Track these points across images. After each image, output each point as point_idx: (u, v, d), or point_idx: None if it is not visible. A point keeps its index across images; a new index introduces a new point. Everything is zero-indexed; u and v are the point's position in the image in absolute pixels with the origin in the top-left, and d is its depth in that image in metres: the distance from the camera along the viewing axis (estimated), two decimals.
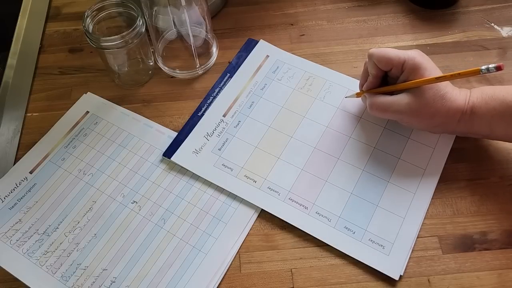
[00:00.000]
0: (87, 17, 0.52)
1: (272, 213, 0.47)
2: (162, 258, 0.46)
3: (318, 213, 0.47)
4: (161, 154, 0.52)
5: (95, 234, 0.47)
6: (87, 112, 0.56)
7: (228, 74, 0.58)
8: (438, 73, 0.45)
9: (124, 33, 0.51)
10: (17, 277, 0.45)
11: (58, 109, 0.57)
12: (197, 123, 0.54)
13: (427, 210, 0.47)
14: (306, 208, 0.47)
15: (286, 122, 0.53)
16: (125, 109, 0.56)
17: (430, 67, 0.45)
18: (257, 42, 0.61)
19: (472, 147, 0.51)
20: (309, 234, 0.46)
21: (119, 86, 0.59)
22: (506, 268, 0.43)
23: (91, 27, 0.53)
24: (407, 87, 0.46)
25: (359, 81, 0.52)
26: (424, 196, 0.48)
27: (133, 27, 0.51)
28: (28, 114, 0.57)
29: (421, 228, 0.46)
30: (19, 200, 0.50)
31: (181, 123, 0.55)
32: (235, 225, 0.47)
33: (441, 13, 0.62)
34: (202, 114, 0.55)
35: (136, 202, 0.49)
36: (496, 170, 0.49)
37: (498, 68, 0.41)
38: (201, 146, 0.52)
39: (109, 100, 0.57)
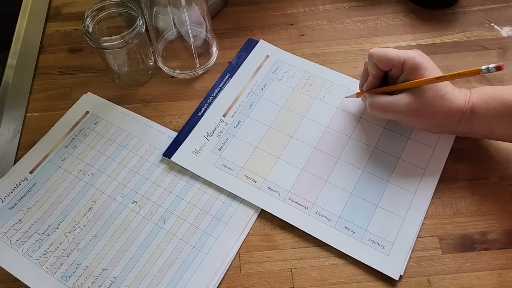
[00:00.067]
0: (87, 17, 0.52)
1: (272, 213, 0.47)
2: (162, 258, 0.46)
3: (318, 213, 0.47)
4: (161, 154, 0.52)
5: (95, 234, 0.47)
6: (87, 112, 0.56)
7: (228, 74, 0.58)
8: (438, 73, 0.45)
9: (124, 33, 0.51)
10: (17, 277, 0.45)
11: (58, 109, 0.57)
12: (197, 123, 0.54)
13: (427, 210, 0.47)
14: (306, 208, 0.47)
15: (286, 122, 0.53)
16: (125, 109, 0.56)
17: (430, 67, 0.45)
18: (257, 42, 0.61)
19: (472, 147, 0.51)
20: (309, 234, 0.46)
21: (119, 86, 0.59)
22: (506, 268, 0.43)
23: (91, 27, 0.53)
24: (407, 87, 0.46)
25: (359, 81, 0.52)
26: (424, 196, 0.48)
27: (133, 27, 0.51)
28: (28, 114, 0.57)
29: (421, 228, 0.46)
30: (19, 200, 0.50)
31: (181, 123, 0.55)
32: (235, 225, 0.47)
33: (441, 13, 0.62)
34: (202, 114, 0.55)
35: (136, 202, 0.49)
36: (496, 170, 0.49)
37: (498, 68, 0.41)
38: (201, 146, 0.52)
39: (109, 100, 0.57)
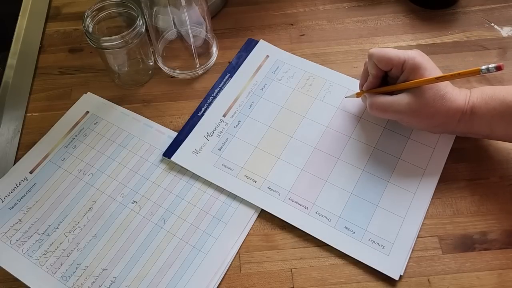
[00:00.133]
0: (87, 17, 0.52)
1: (272, 213, 0.47)
2: (162, 258, 0.46)
3: (318, 213, 0.47)
4: (161, 154, 0.52)
5: (95, 234, 0.47)
6: (87, 112, 0.56)
7: (228, 74, 0.58)
8: (438, 73, 0.45)
9: (124, 33, 0.51)
10: (17, 277, 0.45)
11: (58, 109, 0.57)
12: (197, 123, 0.54)
13: (427, 210, 0.47)
14: (306, 208, 0.47)
15: (286, 122, 0.53)
16: (125, 109, 0.56)
17: (430, 67, 0.45)
18: (257, 42, 0.61)
19: (472, 147, 0.51)
20: (309, 234, 0.46)
21: (119, 86, 0.59)
22: (506, 268, 0.43)
23: (91, 27, 0.53)
24: (407, 87, 0.46)
25: (359, 81, 0.52)
26: (424, 196, 0.48)
27: (133, 27, 0.51)
28: (28, 114, 0.57)
29: (421, 228, 0.46)
30: (19, 200, 0.50)
31: (181, 123, 0.55)
32: (235, 225, 0.47)
33: (441, 13, 0.62)
34: (202, 114, 0.55)
35: (136, 202, 0.49)
36: (496, 170, 0.49)
37: (498, 68, 0.41)
38: (201, 146, 0.52)
39: (109, 100, 0.57)
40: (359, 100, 0.54)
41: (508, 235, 0.45)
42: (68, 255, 0.46)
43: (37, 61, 0.61)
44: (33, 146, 0.53)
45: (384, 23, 0.62)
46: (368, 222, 0.46)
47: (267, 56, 0.59)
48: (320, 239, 0.46)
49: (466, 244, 0.45)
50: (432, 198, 0.48)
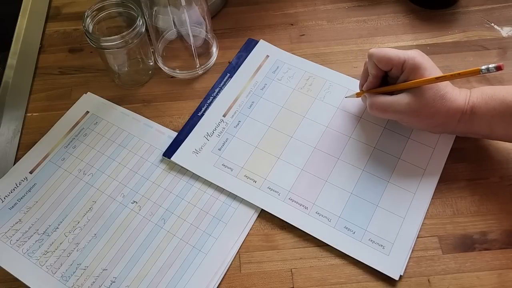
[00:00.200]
0: (87, 17, 0.52)
1: (272, 213, 0.47)
2: (162, 258, 0.46)
3: (318, 213, 0.47)
4: (161, 154, 0.52)
5: (95, 234, 0.47)
6: (87, 112, 0.56)
7: (228, 74, 0.58)
8: (438, 73, 0.45)
9: (124, 33, 0.51)
10: (17, 277, 0.45)
11: (58, 109, 0.57)
12: (197, 123, 0.54)
13: (427, 210, 0.47)
14: (306, 208, 0.47)
15: (286, 122, 0.53)
16: (125, 109, 0.56)
17: (430, 67, 0.45)
18: (257, 42, 0.61)
19: (472, 147, 0.51)
20: (309, 234, 0.46)
21: (119, 86, 0.59)
22: (506, 268, 0.43)
23: (91, 27, 0.53)
24: (407, 87, 0.46)
25: (359, 81, 0.52)
26: (424, 196, 0.48)
27: (133, 27, 0.51)
28: (28, 114, 0.57)
29: (421, 228, 0.46)
30: (19, 200, 0.50)
31: (181, 123, 0.55)
32: (235, 225, 0.47)
33: (441, 13, 0.62)
34: (202, 114, 0.55)
35: (136, 202, 0.49)
36: (496, 170, 0.49)
37: (498, 68, 0.41)
38: (201, 146, 0.52)
39: (109, 100, 0.57)
40: (359, 100, 0.54)
41: (508, 235, 0.45)
42: (68, 255, 0.46)
43: (37, 61, 0.61)
44: (33, 146, 0.53)
45: (384, 23, 0.62)
46: (368, 222, 0.46)
47: (267, 56, 0.59)
48: (320, 239, 0.46)
49: (466, 244, 0.45)
50: (432, 198, 0.48)
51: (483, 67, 0.42)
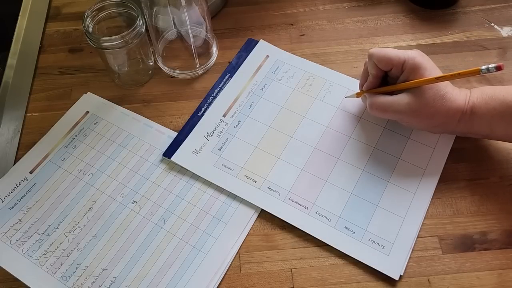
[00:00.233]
0: (87, 17, 0.52)
1: (272, 213, 0.47)
2: (162, 258, 0.46)
3: (318, 213, 0.47)
4: (161, 154, 0.52)
5: (95, 234, 0.47)
6: (87, 112, 0.56)
7: (228, 74, 0.58)
8: (438, 73, 0.45)
9: (124, 33, 0.51)
10: (17, 277, 0.45)
11: (58, 109, 0.57)
12: (197, 123, 0.54)
13: (427, 210, 0.47)
14: (306, 208, 0.47)
15: (286, 122, 0.53)
16: (125, 109, 0.56)
17: (430, 67, 0.45)
18: (257, 42, 0.61)
19: (472, 147, 0.51)
20: (309, 234, 0.46)
21: (119, 86, 0.59)
22: (506, 268, 0.43)
23: (91, 27, 0.53)
24: (407, 87, 0.46)
25: (359, 81, 0.52)
26: (424, 196, 0.48)
27: (133, 27, 0.51)
28: (28, 114, 0.57)
29: (421, 228, 0.46)
30: (19, 200, 0.50)
31: (181, 123, 0.55)
32: (235, 225, 0.47)
33: (441, 13, 0.62)
34: (202, 114, 0.55)
35: (136, 202, 0.49)
36: (496, 170, 0.49)
37: (498, 68, 0.41)
38: (201, 146, 0.52)
39: (109, 100, 0.57)
40: (359, 100, 0.54)
41: (508, 235, 0.45)
42: (68, 255, 0.46)
43: (37, 61, 0.61)
44: (33, 146, 0.53)
45: (384, 23, 0.62)
46: (368, 222, 0.46)
47: (267, 56, 0.59)
48: (320, 239, 0.46)
49: (466, 244, 0.45)
50: (432, 198, 0.48)
51: (483, 67, 0.42)
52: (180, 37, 0.59)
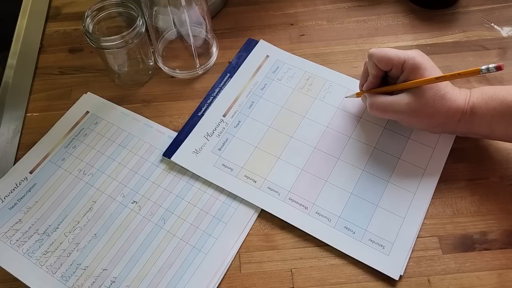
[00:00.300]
0: (87, 17, 0.52)
1: (272, 213, 0.47)
2: (162, 258, 0.46)
3: (318, 213, 0.47)
4: (161, 154, 0.52)
5: (95, 234, 0.47)
6: (87, 112, 0.56)
7: (228, 74, 0.58)
8: (438, 73, 0.45)
9: (124, 33, 0.51)
10: (17, 277, 0.45)
11: (58, 109, 0.57)
12: (197, 123, 0.54)
13: (427, 210, 0.47)
14: (306, 208, 0.47)
15: (286, 122, 0.53)
16: (125, 109, 0.56)
17: (430, 67, 0.45)
18: (257, 42, 0.61)
19: (472, 147, 0.51)
20: (309, 234, 0.46)
21: (119, 86, 0.59)
22: (506, 268, 0.43)
23: (91, 27, 0.53)
24: (407, 87, 0.46)
25: (359, 81, 0.52)
26: (424, 196, 0.48)
27: (133, 27, 0.51)
28: (28, 114, 0.57)
29: (421, 228, 0.46)
30: (19, 200, 0.50)
31: (181, 123, 0.55)
32: (235, 225, 0.47)
33: (441, 13, 0.62)
34: (202, 114, 0.55)
35: (136, 202, 0.49)
36: (496, 170, 0.49)
37: (498, 68, 0.41)
38: (201, 146, 0.52)
39: (109, 100, 0.57)
40: (359, 100, 0.54)
41: (508, 235, 0.45)
42: (68, 255, 0.46)
43: (37, 61, 0.61)
44: (33, 146, 0.53)
45: (384, 23, 0.62)
46: (368, 222, 0.46)
47: (267, 56, 0.59)
48: (320, 239, 0.46)
49: (466, 244, 0.45)
50: (432, 198, 0.48)
51: (483, 67, 0.42)
52: (180, 37, 0.59)
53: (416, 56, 0.45)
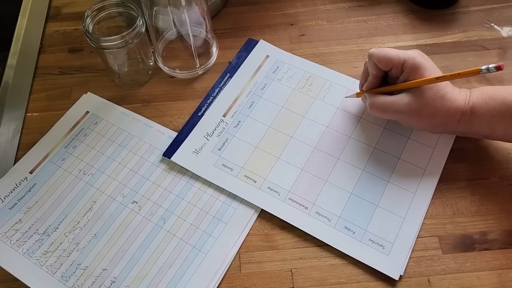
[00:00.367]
0: (87, 17, 0.52)
1: (272, 213, 0.47)
2: (162, 258, 0.46)
3: (318, 213, 0.47)
4: (161, 154, 0.52)
5: (95, 234, 0.47)
6: (87, 112, 0.56)
7: (228, 74, 0.58)
8: (438, 73, 0.45)
9: (124, 33, 0.51)
10: (17, 277, 0.45)
11: (58, 109, 0.57)
12: (197, 123, 0.54)
13: (427, 210, 0.47)
14: (306, 208, 0.47)
15: (286, 122, 0.53)
16: (125, 109, 0.56)
17: (430, 67, 0.45)
18: (257, 42, 0.61)
19: (472, 147, 0.51)
20: (309, 234, 0.46)
21: (119, 86, 0.59)
22: (506, 268, 0.44)
23: (91, 27, 0.53)
24: (407, 87, 0.46)
25: (359, 81, 0.52)
26: (424, 196, 0.48)
27: (133, 27, 0.51)
28: (28, 114, 0.57)
29: (421, 228, 0.46)
30: (19, 200, 0.50)
31: (181, 123, 0.55)
32: (235, 225, 0.47)
33: (441, 13, 0.62)
34: (202, 114, 0.55)
35: (136, 202, 0.49)
36: (496, 170, 0.49)
37: (498, 68, 0.41)
38: (201, 146, 0.52)
39: (109, 100, 0.57)
40: (359, 100, 0.54)
41: (508, 235, 0.45)
42: (68, 255, 0.46)
43: (37, 61, 0.61)
44: (33, 146, 0.53)
45: (384, 23, 0.62)
46: (368, 222, 0.46)
47: (267, 56, 0.59)
48: (320, 239, 0.46)
49: (466, 244, 0.45)
50: (432, 198, 0.48)
51: (483, 67, 0.42)
52: (180, 37, 0.59)
53: (416, 56, 0.45)
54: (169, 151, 0.52)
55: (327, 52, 0.60)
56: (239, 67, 0.58)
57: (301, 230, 0.46)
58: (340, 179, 0.49)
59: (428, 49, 0.59)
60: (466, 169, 0.49)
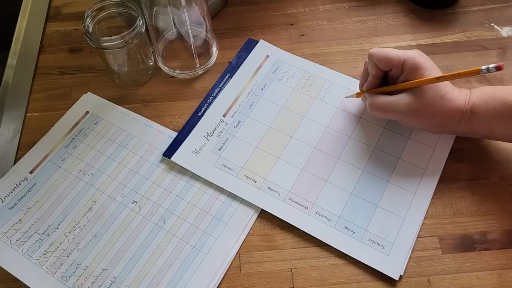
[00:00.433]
0: (87, 17, 0.52)
1: (272, 213, 0.47)
2: (162, 258, 0.46)
3: (318, 213, 0.47)
4: (161, 154, 0.52)
5: (95, 234, 0.47)
6: (87, 112, 0.56)
7: (228, 74, 0.58)
8: (438, 73, 0.45)
9: (124, 33, 0.51)
10: (17, 277, 0.45)
11: (58, 109, 0.57)
12: (197, 123, 0.54)
13: (427, 210, 0.47)
14: (306, 208, 0.47)
15: (286, 122, 0.53)
16: (125, 109, 0.56)
17: (430, 67, 0.45)
18: (257, 42, 0.61)
19: (472, 147, 0.51)
20: (309, 234, 0.46)
21: (119, 86, 0.59)
22: (506, 268, 0.44)
23: (91, 27, 0.53)
24: (407, 87, 0.46)
25: (359, 81, 0.52)
26: (424, 196, 0.48)
27: (133, 27, 0.51)
28: (28, 114, 0.57)
29: (421, 228, 0.46)
30: (19, 200, 0.50)
31: (181, 123, 0.55)
32: (235, 225, 0.47)
33: (441, 13, 0.62)
34: (202, 114, 0.55)
35: (136, 202, 0.49)
36: (496, 170, 0.49)
37: (498, 68, 0.41)
38: (201, 146, 0.52)
39: (109, 100, 0.57)
40: (359, 100, 0.54)
41: (508, 235, 0.45)
42: (68, 255, 0.46)
43: (37, 61, 0.61)
44: (33, 146, 0.53)
45: (384, 23, 0.62)
46: (368, 222, 0.46)
47: (267, 56, 0.59)
48: (320, 239, 0.46)
49: (466, 244, 0.45)
50: (432, 198, 0.48)
51: (483, 67, 0.42)
52: (180, 37, 0.59)
53: (416, 56, 0.45)
54: (169, 151, 0.52)
55: (327, 52, 0.60)
56: (239, 67, 0.58)
57: (301, 230, 0.46)
58: (340, 179, 0.49)
59: (428, 49, 0.59)
60: (466, 169, 0.49)
